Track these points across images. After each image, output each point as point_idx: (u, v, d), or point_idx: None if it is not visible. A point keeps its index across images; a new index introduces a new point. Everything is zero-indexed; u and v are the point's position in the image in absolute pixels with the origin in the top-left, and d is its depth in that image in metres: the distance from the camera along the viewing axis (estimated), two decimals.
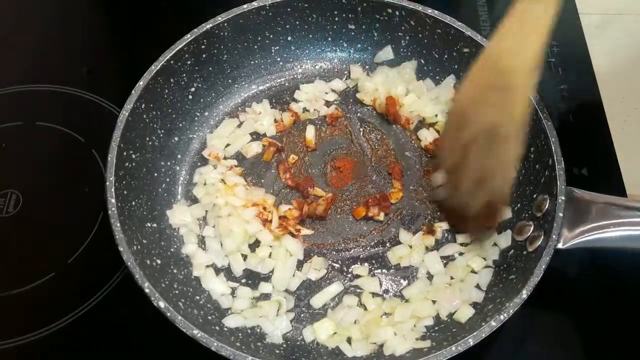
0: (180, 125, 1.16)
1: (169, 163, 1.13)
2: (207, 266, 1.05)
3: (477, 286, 1.01)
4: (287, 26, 1.22)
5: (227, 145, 1.18)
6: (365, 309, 1.01)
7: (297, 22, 1.21)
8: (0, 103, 1.26)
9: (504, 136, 0.87)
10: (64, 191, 1.17)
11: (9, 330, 1.00)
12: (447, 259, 1.06)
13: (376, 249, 1.08)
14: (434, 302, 1.00)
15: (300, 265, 1.05)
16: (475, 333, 0.85)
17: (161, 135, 1.12)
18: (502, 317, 0.86)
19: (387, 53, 1.24)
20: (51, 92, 1.27)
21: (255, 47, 1.22)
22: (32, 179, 1.18)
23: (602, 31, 1.38)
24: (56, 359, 1.00)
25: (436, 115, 1.20)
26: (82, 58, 1.34)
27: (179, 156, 1.16)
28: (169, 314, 0.87)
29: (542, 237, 0.94)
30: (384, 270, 1.05)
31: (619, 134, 1.22)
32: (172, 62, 1.10)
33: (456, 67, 1.19)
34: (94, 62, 1.33)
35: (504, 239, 1.04)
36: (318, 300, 1.02)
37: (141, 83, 1.06)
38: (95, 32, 1.42)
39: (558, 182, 0.95)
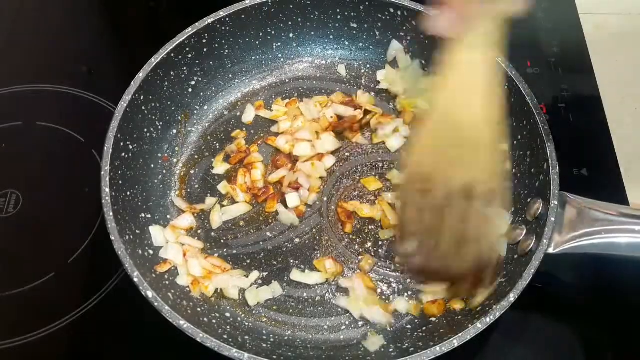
0: (179, 118, 1.17)
1: (166, 155, 1.14)
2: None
3: None
4: (289, 23, 1.22)
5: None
6: None
7: (299, 19, 1.22)
8: (0, 103, 1.27)
9: (482, 192, 0.78)
10: (64, 191, 1.17)
11: (9, 330, 1.01)
12: None
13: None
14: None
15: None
16: (460, 334, 0.84)
17: (159, 127, 1.13)
18: (488, 319, 0.85)
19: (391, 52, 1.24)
20: (51, 92, 1.27)
21: (257, 42, 1.22)
22: (32, 179, 1.18)
23: (602, 31, 1.37)
24: (56, 359, 1.00)
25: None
26: (82, 58, 1.34)
27: (177, 149, 1.17)
28: (156, 304, 0.87)
29: (533, 242, 0.94)
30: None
31: (619, 134, 1.22)
32: (172, 55, 1.10)
33: None
34: (94, 62, 1.33)
35: (501, 245, 1.02)
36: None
37: (141, 75, 1.06)
38: (95, 32, 1.42)
39: (552, 187, 0.95)
